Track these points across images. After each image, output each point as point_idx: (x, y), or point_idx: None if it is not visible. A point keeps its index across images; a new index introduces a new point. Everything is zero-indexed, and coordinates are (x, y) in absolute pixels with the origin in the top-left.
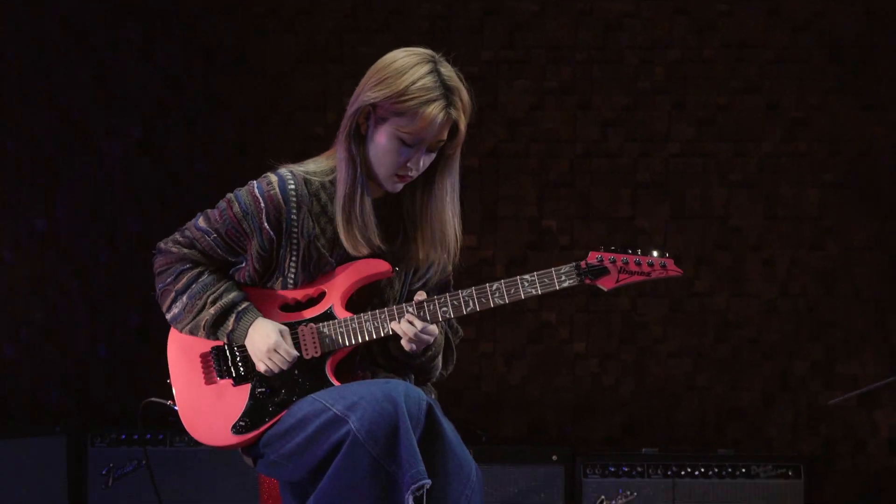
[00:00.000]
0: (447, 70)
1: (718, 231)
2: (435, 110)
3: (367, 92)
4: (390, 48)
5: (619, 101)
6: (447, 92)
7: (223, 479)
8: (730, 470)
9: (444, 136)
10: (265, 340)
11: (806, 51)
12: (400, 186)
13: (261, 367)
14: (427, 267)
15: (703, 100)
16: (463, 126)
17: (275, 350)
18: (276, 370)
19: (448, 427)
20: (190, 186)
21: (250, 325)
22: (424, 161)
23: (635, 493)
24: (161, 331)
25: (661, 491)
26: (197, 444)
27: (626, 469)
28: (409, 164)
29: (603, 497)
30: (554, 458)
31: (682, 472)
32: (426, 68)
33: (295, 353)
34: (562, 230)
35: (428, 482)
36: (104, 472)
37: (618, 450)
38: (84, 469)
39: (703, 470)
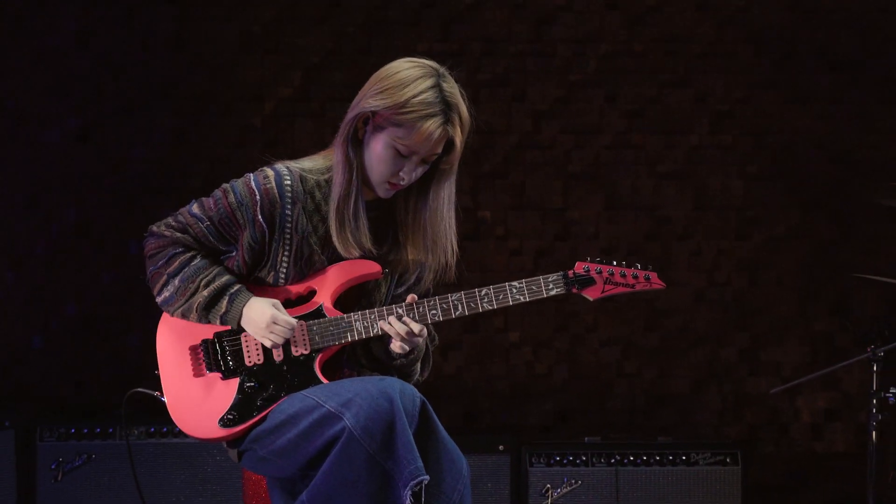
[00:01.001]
0: (449, 86)
1: (648, 221)
2: (432, 126)
3: (369, 99)
4: (327, 40)
5: (552, 93)
6: (446, 108)
7: (173, 472)
8: (670, 458)
9: (439, 150)
10: (262, 317)
11: (732, 45)
12: (391, 193)
13: (266, 343)
14: (413, 273)
15: (634, 92)
16: (459, 142)
17: (274, 323)
18: (280, 342)
19: (439, 423)
20: (128, 175)
21: (244, 305)
22: (417, 172)
23: (580, 482)
24: (100, 321)
25: (605, 479)
26: (147, 437)
27: (571, 458)
28: (401, 174)
29: (549, 486)
30: (500, 447)
31: (625, 461)
32: (429, 83)
33: (293, 321)
34: (496, 221)
35: (426, 478)
36: (53, 467)
37: (561, 439)
38: (33, 463)
39: (644, 458)
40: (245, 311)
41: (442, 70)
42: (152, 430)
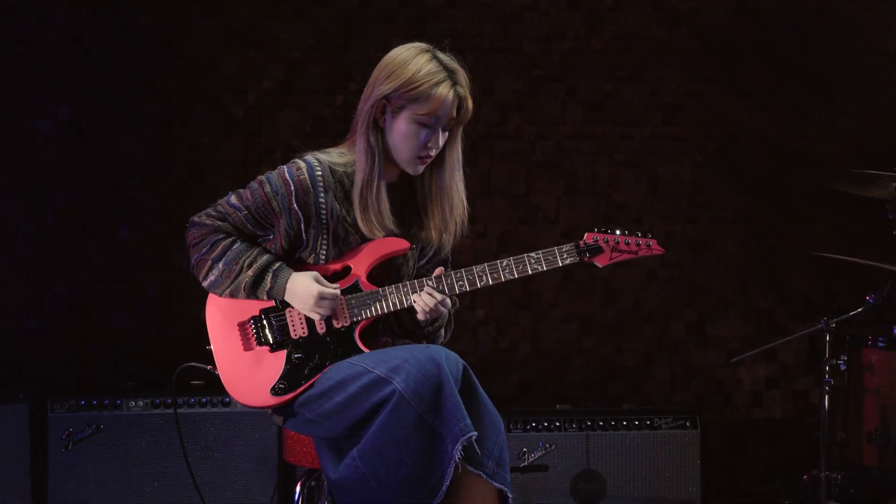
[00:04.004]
0: (444, 56)
1: (606, 206)
2: (444, 90)
3: (379, 86)
4: (307, 35)
5: (517, 86)
6: (451, 73)
7: (176, 441)
8: (636, 423)
9: (455, 113)
10: (308, 291)
11: (682, 43)
12: (421, 168)
13: (315, 316)
14: (433, 246)
15: (592, 86)
16: (470, 103)
17: (321, 297)
18: (327, 314)
19: (479, 385)
20: (117, 164)
21: (287, 280)
22: (441, 139)
23: (553, 446)
24: (91, 302)
25: (576, 442)
26: (151, 408)
27: (546, 424)
28: (429, 145)
29: (525, 449)
30: None
31: (594, 426)
32: (426, 56)
33: (338, 292)
34: None
35: (475, 434)
36: (63, 437)
37: (534, 406)
38: (45, 433)
39: (612, 423)
40: (289, 285)
41: (432, 47)
42: (157, 401)
